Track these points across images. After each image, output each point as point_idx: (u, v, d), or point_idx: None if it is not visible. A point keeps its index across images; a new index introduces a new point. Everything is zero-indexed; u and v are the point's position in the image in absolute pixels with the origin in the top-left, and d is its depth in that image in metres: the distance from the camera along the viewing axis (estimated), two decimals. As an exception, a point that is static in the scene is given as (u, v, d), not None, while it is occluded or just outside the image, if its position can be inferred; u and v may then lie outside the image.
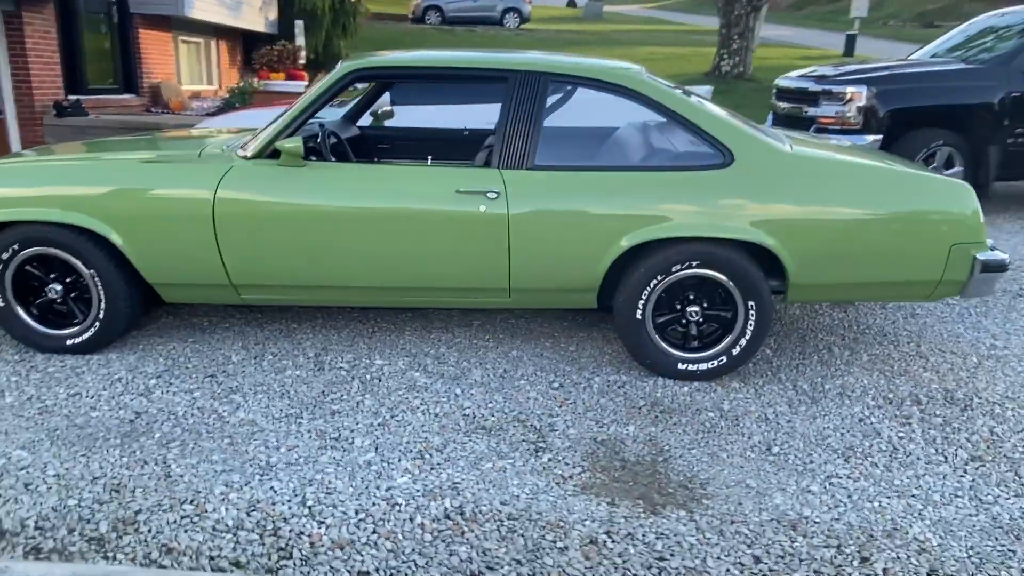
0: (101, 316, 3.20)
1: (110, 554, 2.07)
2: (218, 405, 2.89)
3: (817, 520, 2.32)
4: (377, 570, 2.04)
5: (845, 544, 2.21)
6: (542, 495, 2.40)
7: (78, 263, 3.12)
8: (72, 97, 8.35)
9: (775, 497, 2.44)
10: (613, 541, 2.18)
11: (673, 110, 2.99)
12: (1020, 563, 2.16)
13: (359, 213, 3.00)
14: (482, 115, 5.60)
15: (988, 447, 2.78)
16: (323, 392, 3.01)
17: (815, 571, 2.10)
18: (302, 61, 8.26)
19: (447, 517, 2.26)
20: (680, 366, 3.14)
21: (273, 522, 2.21)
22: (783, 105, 6.89)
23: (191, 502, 2.29)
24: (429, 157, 3.63)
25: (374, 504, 2.31)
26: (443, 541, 2.16)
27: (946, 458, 2.70)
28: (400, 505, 2.31)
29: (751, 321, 3.06)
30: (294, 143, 2.95)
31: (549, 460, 2.61)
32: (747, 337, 3.09)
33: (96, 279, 3.14)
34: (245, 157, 3.10)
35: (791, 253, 2.97)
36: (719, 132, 2.98)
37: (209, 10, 10.74)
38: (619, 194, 2.96)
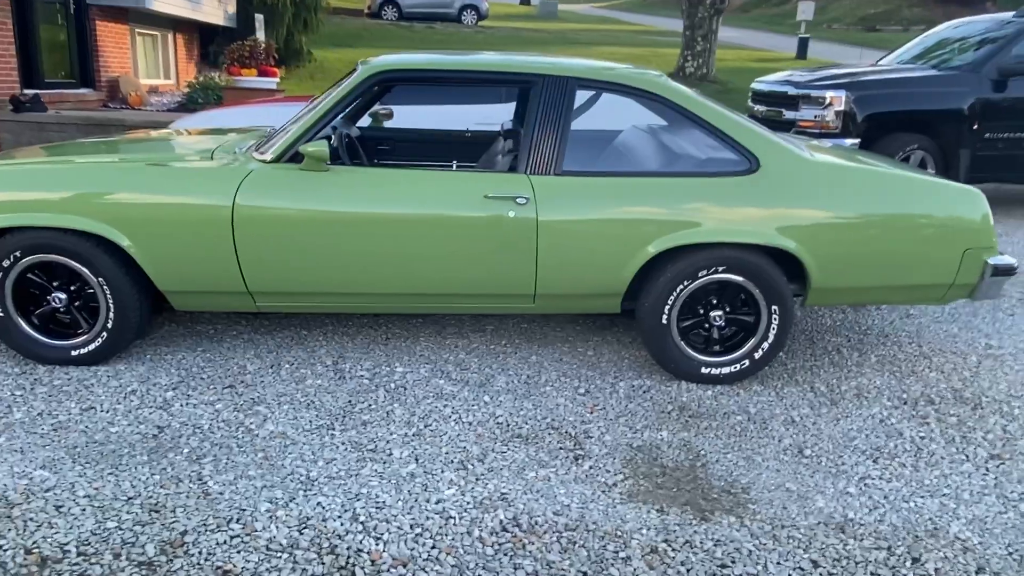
0: (109, 326, 3.06)
1: (162, 579, 1.99)
2: (244, 417, 2.80)
3: (862, 522, 2.37)
4: (445, 587, 2.01)
5: (894, 545, 2.26)
6: (592, 504, 2.39)
7: (85, 271, 2.98)
8: (29, 91, 7.99)
9: (816, 500, 2.49)
10: (673, 550, 2.19)
11: (700, 116, 3.01)
12: (1059, 559, 2.25)
13: (385, 218, 2.94)
14: (481, 116, 5.57)
15: (1004, 445, 2.88)
16: (349, 402, 2.95)
17: (872, 573, 2.14)
18: (275, 57, 8.06)
19: (504, 529, 2.24)
20: (703, 370, 3.17)
21: (328, 539, 2.15)
22: (760, 108, 7.02)
23: (237, 521, 2.22)
24: (454, 161, 3.54)
25: (428, 518, 2.27)
26: (505, 555, 2.13)
27: (967, 457, 2.79)
28: (454, 518, 2.28)
29: (774, 325, 3.11)
30: (318, 147, 2.87)
31: (591, 468, 2.60)
32: (769, 341, 3.14)
33: (105, 287, 3.00)
34: (264, 161, 3.00)
35: (814, 258, 3.03)
36: (745, 138, 3.01)
37: (169, 2, 10.41)
38: (647, 200, 2.97)
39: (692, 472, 2.62)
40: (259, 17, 11.79)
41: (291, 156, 3.00)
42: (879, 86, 6.18)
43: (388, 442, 2.68)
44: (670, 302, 3.07)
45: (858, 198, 3.02)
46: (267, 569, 2.03)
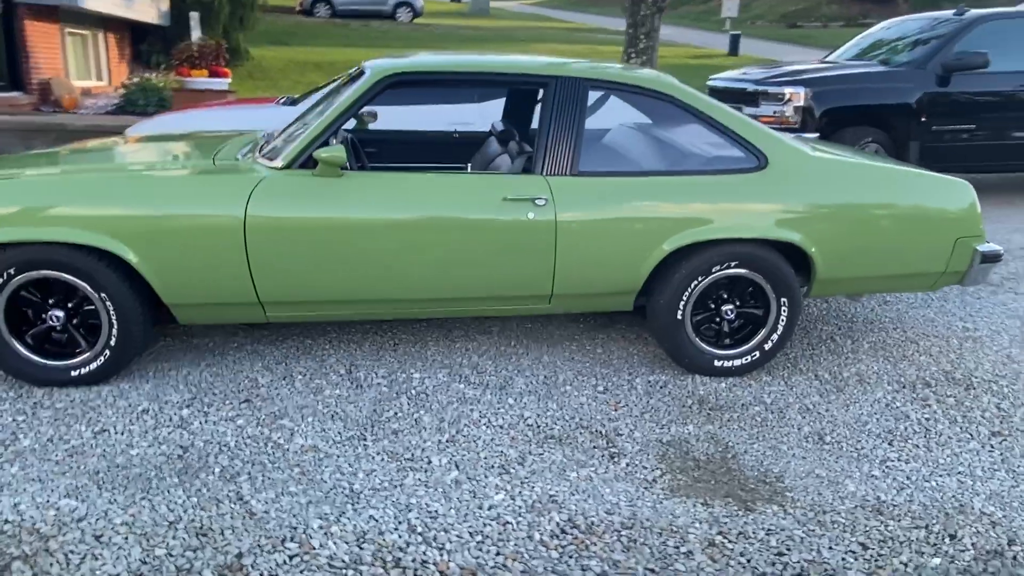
0: (112, 343, 2.92)
1: (227, 605, 1.92)
2: (269, 432, 2.72)
3: (894, 503, 2.48)
4: (519, 593, 2.00)
5: (930, 524, 2.37)
6: (639, 501, 2.42)
7: (86, 286, 2.84)
8: (-41, 96, 7.52)
9: (847, 484, 2.58)
10: (730, 542, 2.24)
11: (710, 115, 3.08)
12: (1078, 527, 2.40)
13: (404, 224, 2.90)
14: (465, 116, 5.53)
15: (1001, 422, 3.05)
16: (374, 411, 2.89)
17: (917, 552, 2.24)
18: (226, 57, 7.79)
19: (563, 532, 2.24)
20: (716, 363, 3.24)
21: (391, 553, 2.12)
22: (718, 104, 7.19)
23: (292, 540, 2.15)
24: (458, 162, 3.50)
25: (485, 525, 2.26)
26: (571, 557, 2.14)
27: (971, 435, 2.94)
28: (511, 524, 2.27)
29: (783, 317, 3.21)
30: (335, 152, 2.80)
31: (628, 465, 2.63)
32: (778, 332, 3.23)
33: (107, 302, 2.86)
34: (275, 168, 2.91)
35: (819, 250, 3.13)
36: (753, 136, 3.09)
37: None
38: (662, 198, 3.02)
39: (724, 464, 2.68)
40: (194, 15, 11.39)
41: (303, 162, 2.92)
42: (835, 82, 6.42)
43: (424, 450, 2.65)
44: (685, 298, 3.13)
45: (860, 192, 3.14)
46: (336, 587, 1.99)
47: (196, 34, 11.10)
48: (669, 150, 3.17)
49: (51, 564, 2.02)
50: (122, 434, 2.67)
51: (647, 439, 2.80)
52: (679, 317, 3.16)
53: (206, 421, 2.77)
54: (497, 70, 3.06)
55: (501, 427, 2.82)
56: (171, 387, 3.01)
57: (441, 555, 2.12)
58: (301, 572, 2.03)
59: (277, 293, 2.95)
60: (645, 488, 2.50)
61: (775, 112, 6.44)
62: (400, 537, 2.18)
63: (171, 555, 2.07)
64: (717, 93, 7.29)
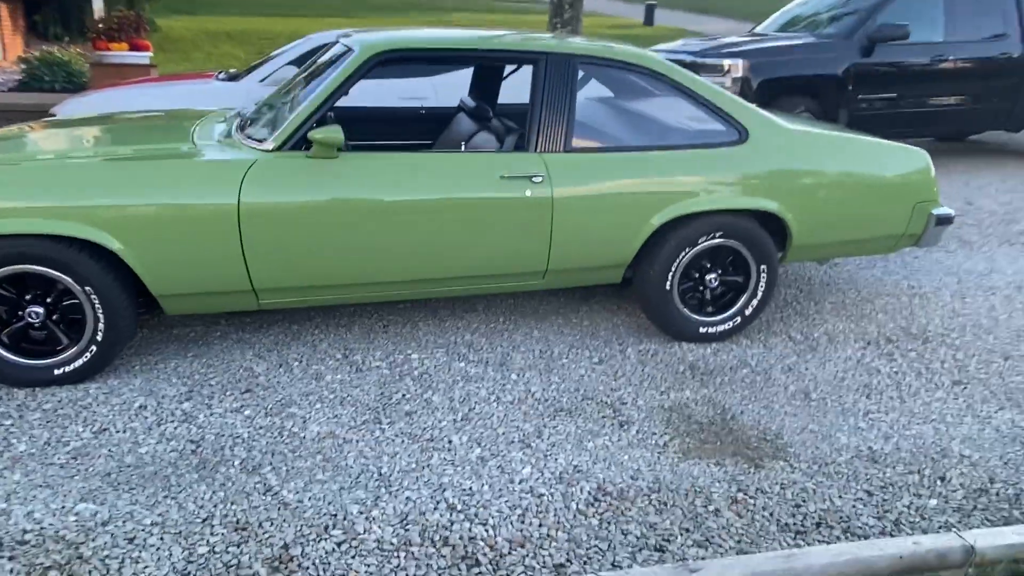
0: (99, 338, 2.79)
1: (285, 596, 1.91)
2: (281, 421, 2.67)
3: (885, 452, 2.68)
4: (569, 560, 2.07)
5: (921, 469, 2.58)
6: (658, 466, 2.53)
7: (68, 279, 2.69)
8: None
9: (839, 437, 2.77)
10: (750, 497, 2.38)
11: (695, 91, 3.17)
12: (1044, 463, 2.66)
13: (403, 205, 2.87)
14: (418, 91, 5.44)
15: (959, 372, 3.32)
16: (381, 394, 2.88)
17: (916, 495, 2.44)
18: (147, 29, 7.34)
19: (597, 500, 2.32)
20: (701, 329, 3.38)
21: (437, 532, 2.15)
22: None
23: (335, 527, 2.15)
24: (462, 144, 3.42)
25: (521, 498, 2.31)
26: (609, 523, 2.22)
27: (937, 385, 3.19)
28: (546, 495, 2.33)
29: (762, 283, 3.37)
30: (331, 133, 2.74)
31: (638, 432, 2.73)
32: (758, 297, 3.40)
33: (92, 296, 2.73)
34: (266, 150, 2.82)
35: (795, 218, 3.30)
36: (734, 111, 3.21)
37: (-5, -33, 9.20)
38: (652, 173, 3.10)
39: (726, 425, 2.82)
40: (96, -17, 10.68)
41: (295, 143, 2.84)
42: (771, 53, 6.66)
43: (441, 430, 2.67)
44: (673, 268, 3.24)
45: (832, 161, 3.31)
46: (392, 570, 2.00)
47: (98, 3, 10.42)
48: (656, 125, 3.25)
49: (89, 571, 1.95)
50: (124, 432, 2.57)
51: (650, 406, 2.91)
52: (668, 288, 3.27)
53: (211, 414, 2.70)
54: (488, 47, 3.05)
55: (511, 403, 2.87)
56: (163, 380, 2.91)
57: (487, 530, 2.16)
58: (352, 558, 2.04)
59: (272, 280, 2.88)
60: (659, 453, 2.61)
61: (714, 83, 6.63)
62: (442, 516, 2.21)
63: (215, 552, 2.03)
64: (654, 64, 7.42)
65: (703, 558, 2.10)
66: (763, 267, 3.34)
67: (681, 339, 3.41)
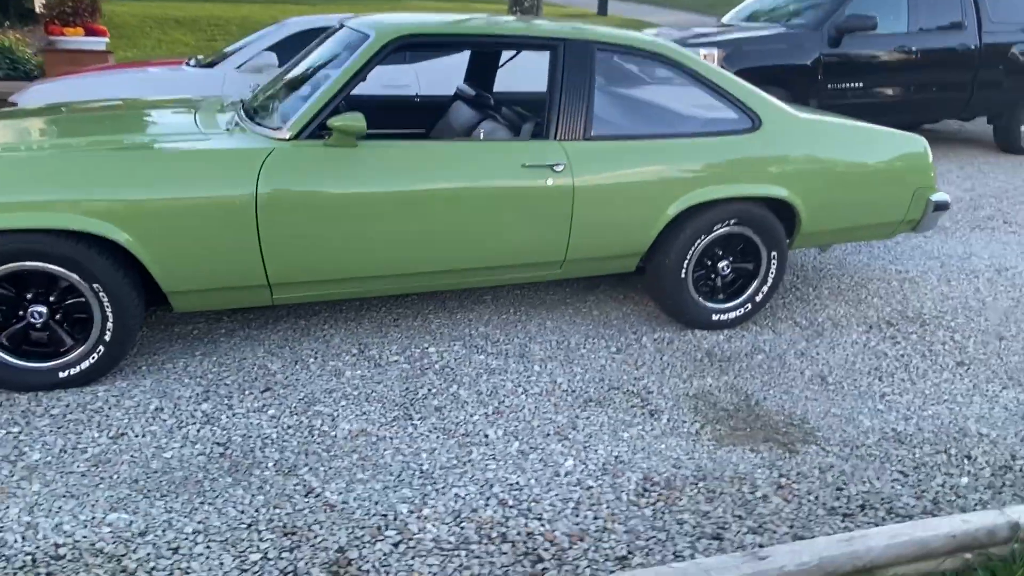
0: (107, 338, 2.64)
1: (350, 601, 1.84)
2: (308, 420, 2.58)
3: (909, 433, 2.73)
4: (631, 553, 2.05)
5: (947, 448, 2.64)
6: (696, 454, 2.53)
7: (75, 277, 2.54)
8: None
9: (863, 420, 2.82)
10: (794, 482, 2.40)
11: (709, 78, 3.17)
12: (1057, 439, 2.76)
13: (424, 195, 2.80)
14: (398, 78, 5.32)
15: (960, 352, 3.41)
16: (406, 389, 2.81)
17: (948, 474, 2.50)
18: (100, 12, 6.98)
19: (646, 490, 2.31)
20: (714, 317, 3.40)
21: (493, 529, 2.10)
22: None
23: (388, 528, 2.08)
24: (481, 131, 3.35)
25: (571, 491, 2.28)
26: (663, 513, 2.21)
27: (942, 367, 3.28)
28: (594, 488, 2.31)
29: (772, 269, 3.40)
30: (353, 120, 2.64)
31: (669, 421, 2.73)
32: (768, 284, 3.43)
33: (101, 294, 2.58)
34: (282, 139, 2.71)
35: (805, 205, 3.34)
36: (747, 98, 3.22)
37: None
38: (670, 161, 3.09)
39: (752, 411, 2.84)
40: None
41: (312, 132, 2.73)
42: (745, 44, 6.74)
43: (474, 424, 2.62)
44: (688, 256, 3.24)
45: (840, 149, 3.36)
46: (456, 569, 1.95)
47: (39, -14, 9.91)
48: (672, 113, 3.24)
49: (138, 584, 1.84)
50: (144, 436, 2.44)
51: (676, 394, 2.91)
52: (683, 276, 3.27)
53: (233, 414, 2.58)
54: (504, 32, 2.99)
55: (539, 394, 2.83)
56: (175, 381, 2.78)
57: (543, 525, 2.13)
58: (412, 559, 1.98)
59: (288, 274, 2.78)
60: (693, 441, 2.61)
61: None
62: (495, 512, 2.17)
63: (268, 559, 1.95)
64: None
65: (760, 545, 2.11)
66: (774, 254, 3.38)
67: (694, 326, 3.42)
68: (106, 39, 6.96)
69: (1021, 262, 4.56)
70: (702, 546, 2.09)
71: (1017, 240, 5.00)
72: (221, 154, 2.63)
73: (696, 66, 3.17)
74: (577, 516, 2.17)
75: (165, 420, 2.53)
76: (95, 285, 2.56)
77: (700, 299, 3.36)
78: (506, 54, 4.25)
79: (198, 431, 2.48)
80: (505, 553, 2.01)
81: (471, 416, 2.66)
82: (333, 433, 2.51)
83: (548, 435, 2.57)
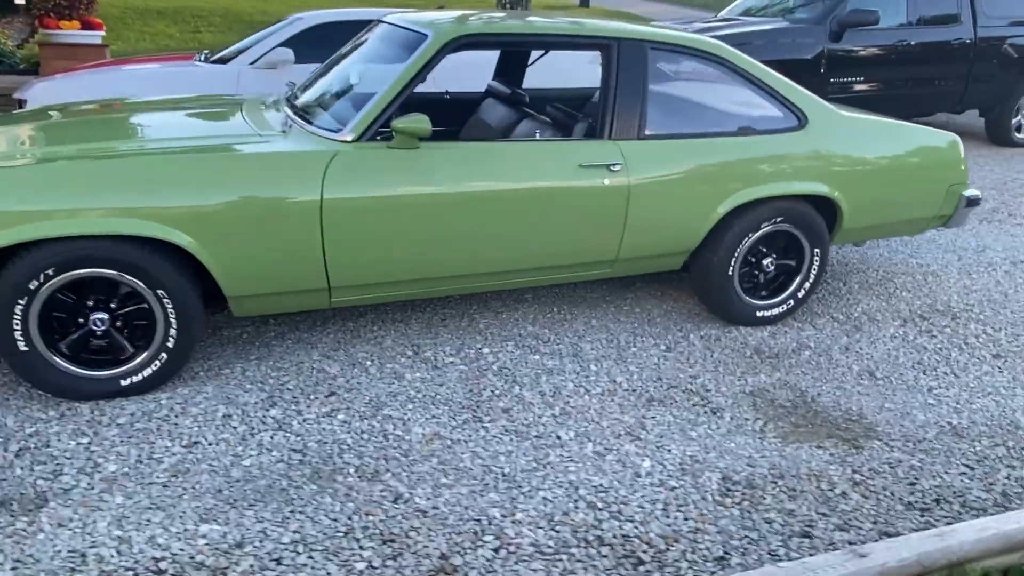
0: (170, 344, 2.60)
1: (462, 609, 1.84)
2: (379, 424, 2.56)
3: (964, 426, 2.80)
4: (727, 553, 2.07)
5: (1005, 441, 2.71)
6: (766, 452, 2.56)
7: (139, 283, 2.49)
8: None
9: (917, 415, 2.87)
10: (868, 478, 2.44)
11: (758, 77, 3.19)
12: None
13: (485, 195, 2.79)
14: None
15: (995, 345, 3.49)
16: (469, 391, 2.81)
17: (1010, 467, 2.56)
18: (97, 5, 6.80)
19: (729, 490, 2.33)
20: (758, 313, 3.43)
21: (590, 532, 2.11)
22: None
23: (485, 533, 2.08)
24: (537, 132, 3.34)
25: (656, 492, 2.30)
26: (750, 512, 2.24)
27: (980, 360, 3.35)
28: (677, 488, 2.33)
29: (815, 266, 3.45)
30: (418, 122, 2.62)
31: (732, 419, 2.76)
32: (810, 281, 3.47)
33: (165, 300, 2.53)
34: (345, 141, 2.68)
35: (847, 202, 3.38)
36: (794, 97, 3.25)
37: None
38: (720, 159, 3.11)
39: (809, 408, 2.88)
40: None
41: (373, 133, 2.70)
42: (750, 37, 6.79)
43: (544, 426, 2.62)
44: (736, 254, 3.27)
45: (881, 147, 3.41)
46: (561, 573, 1.95)
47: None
48: (721, 111, 3.25)
49: (249, 597, 1.82)
50: (217, 444, 2.41)
51: (733, 392, 2.94)
52: (730, 273, 3.30)
53: (304, 420, 2.56)
54: (559, 32, 2.98)
55: (601, 395, 2.84)
56: (236, 387, 2.74)
57: (636, 527, 2.14)
58: (515, 564, 1.98)
59: (349, 277, 2.75)
60: (760, 438, 2.65)
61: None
62: (587, 515, 2.18)
63: (373, 567, 1.94)
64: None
65: (850, 542, 2.15)
66: (816, 250, 3.42)
67: (738, 323, 3.46)
68: (102, 32, 6.80)
69: (1036, 254, 4.68)
70: (794, 544, 2.12)
71: (1027, 232, 5.12)
72: (286, 157, 2.59)
73: (745, 64, 3.19)
74: (667, 517, 2.19)
75: (236, 427, 2.50)
76: (159, 291, 2.52)
77: (745, 296, 3.39)
78: (535, 52, 4.24)
79: (272, 438, 2.45)
80: (605, 556, 2.03)
81: (539, 418, 2.67)
82: (408, 437, 2.50)
83: (619, 436, 2.59)
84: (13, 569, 1.87)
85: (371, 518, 2.11)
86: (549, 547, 2.04)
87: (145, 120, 2.98)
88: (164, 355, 2.61)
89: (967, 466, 2.54)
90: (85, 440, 2.39)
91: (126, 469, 2.27)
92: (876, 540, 2.16)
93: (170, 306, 2.55)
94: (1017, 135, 8.11)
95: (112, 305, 2.54)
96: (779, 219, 3.28)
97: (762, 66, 3.25)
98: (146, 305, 2.55)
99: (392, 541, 2.03)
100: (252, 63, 5.13)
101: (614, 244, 3.07)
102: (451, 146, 2.79)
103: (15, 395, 2.61)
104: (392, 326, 3.29)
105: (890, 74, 7.23)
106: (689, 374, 3.04)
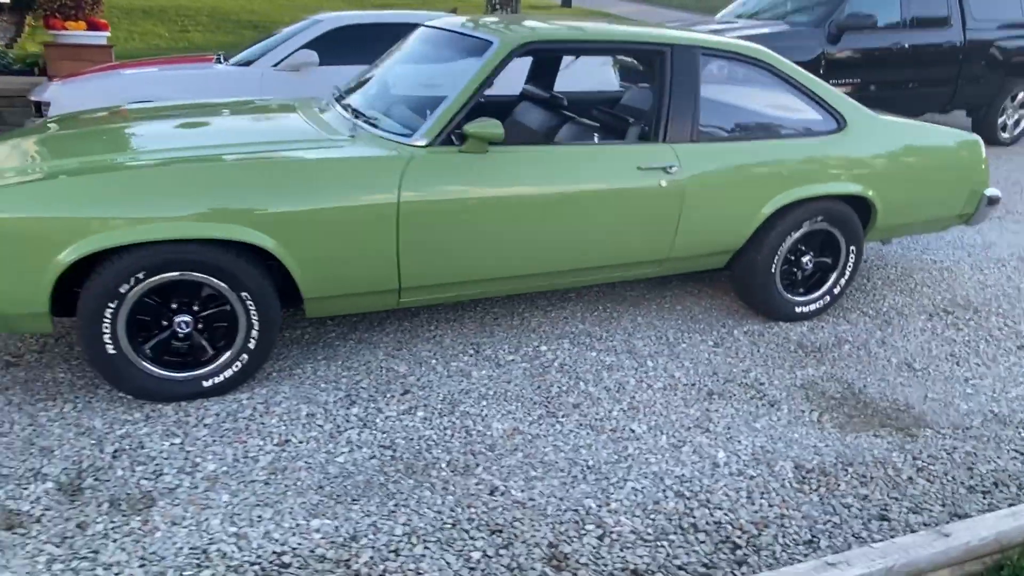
0: (251, 346, 2.65)
1: (580, 594, 1.93)
2: (459, 421, 2.64)
3: (1005, 414, 2.95)
4: (815, 536, 2.19)
5: (1046, 427, 2.87)
6: (829, 441, 2.69)
7: (224, 286, 2.54)
8: None
9: (959, 404, 3.02)
10: (929, 464, 2.57)
11: (800, 82, 3.32)
12: None
13: (552, 198, 2.88)
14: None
15: (1017, 337, 3.67)
16: (537, 387, 2.89)
17: (1056, 451, 2.72)
18: (102, 6, 6.73)
19: (804, 478, 2.45)
20: (796, 309, 3.57)
21: (685, 519, 2.21)
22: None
23: (586, 523, 2.17)
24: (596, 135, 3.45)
25: (737, 480, 2.41)
26: (827, 498, 2.36)
27: (1007, 351, 3.52)
28: (756, 477, 2.44)
29: (850, 263, 3.59)
30: (490, 128, 2.70)
31: (790, 411, 2.88)
32: (846, 277, 3.62)
33: (249, 302, 2.58)
34: (418, 145, 2.75)
35: (881, 201, 3.53)
36: (834, 101, 3.39)
37: None
38: (766, 161, 3.24)
39: (858, 399, 3.01)
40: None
41: (444, 138, 2.78)
42: (752, 40, 6.94)
43: (616, 420, 2.72)
44: (779, 253, 3.40)
45: (912, 148, 3.56)
46: (667, 557, 2.05)
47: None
48: (766, 115, 3.38)
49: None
50: (307, 443, 2.47)
51: (785, 385, 3.06)
52: (772, 271, 3.43)
53: (386, 417, 2.63)
54: (619, 38, 3.08)
55: (663, 389, 2.95)
56: (312, 386, 2.80)
57: (726, 514, 2.25)
58: (621, 551, 2.07)
59: (419, 277, 2.82)
60: (819, 429, 2.77)
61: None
62: (677, 504, 2.28)
63: (487, 556, 2.02)
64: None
65: (926, 524, 2.28)
66: (852, 248, 3.56)
67: (777, 319, 3.59)
68: (107, 33, 6.74)
69: (1042, 250, 4.89)
70: (875, 527, 2.24)
71: (1029, 229, 5.34)
72: (365, 161, 2.66)
73: (789, 69, 3.31)
74: (753, 504, 2.30)
75: (322, 425, 2.56)
76: (243, 293, 2.57)
77: (785, 293, 3.52)
78: (567, 57, 4.33)
79: (359, 435, 2.52)
80: (703, 542, 2.13)
81: (610, 412, 2.76)
82: (489, 433, 2.58)
83: (689, 428, 2.69)
84: (141, 566, 1.92)
85: (473, 510, 2.19)
86: (649, 534, 2.14)
87: (215, 124, 3.02)
88: (245, 356, 2.66)
89: (1017, 452, 2.69)
90: (177, 441, 2.43)
91: (225, 468, 2.32)
92: (948, 521, 2.29)
93: (253, 308, 2.60)
94: (1002, 134, 8.41)
95: (194, 308, 2.58)
96: (819, 218, 3.41)
97: (804, 71, 3.38)
98: (228, 307, 2.60)
99: (499, 531, 2.11)
100: (275, 65, 5.15)
101: (666, 244, 3.18)
102: (518, 150, 2.87)
103: (95, 398, 2.64)
104: (448, 325, 3.36)
105: (885, 75, 7.45)
106: (741, 368, 3.16)
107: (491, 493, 2.27)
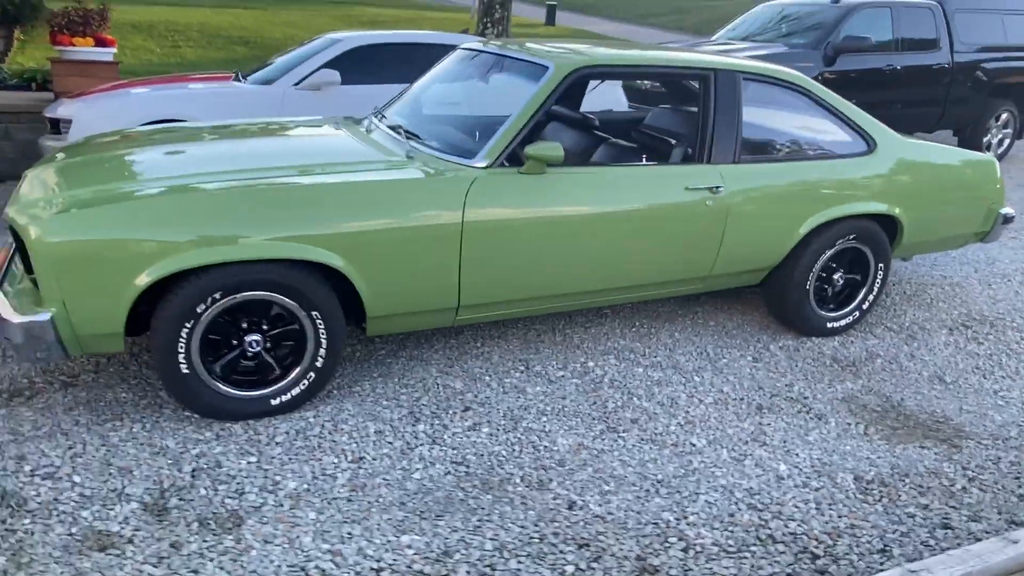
0: (319, 364, 2.68)
1: (675, 605, 1.98)
2: (524, 436, 2.69)
3: (1039, 425, 3.07)
4: (887, 546, 2.27)
5: (1079, 437, 2.99)
6: (880, 453, 2.78)
7: (294, 304, 2.57)
8: None
9: (993, 415, 3.14)
10: (978, 475, 2.68)
11: (834, 105, 3.45)
12: None
13: (606, 218, 2.95)
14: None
15: (1036, 351, 3.82)
16: (593, 403, 2.95)
17: (1093, 460, 2.83)
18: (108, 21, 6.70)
19: (866, 490, 2.53)
20: (828, 324, 3.68)
21: (759, 531, 2.28)
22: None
23: (668, 536, 2.23)
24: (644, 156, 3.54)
25: (804, 492, 2.48)
26: (892, 509, 2.44)
27: (1028, 364, 3.66)
28: (820, 489, 2.52)
29: (879, 280, 3.71)
30: (550, 150, 2.77)
31: (836, 424, 2.97)
32: (874, 293, 3.74)
33: (318, 321, 2.62)
34: (479, 167, 2.81)
35: (907, 219, 3.66)
36: (865, 123, 3.52)
37: None
38: (804, 181, 3.35)
39: (899, 411, 3.12)
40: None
41: (504, 160, 2.84)
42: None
43: (676, 435, 2.78)
44: (813, 270, 3.51)
45: (936, 169, 3.70)
46: (752, 568, 2.12)
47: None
48: (802, 137, 3.49)
49: (481, 601, 1.93)
50: (381, 460, 2.50)
51: (828, 399, 3.16)
52: (807, 287, 3.53)
53: (453, 434, 2.66)
54: (666, 63, 3.17)
55: (714, 404, 3.02)
56: (375, 403, 2.83)
57: (799, 525, 2.32)
58: (707, 562, 2.13)
59: (478, 296, 2.88)
60: (868, 441, 2.86)
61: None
62: (751, 516, 2.35)
63: (580, 569, 2.06)
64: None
65: (987, 532, 2.37)
66: (880, 264, 3.68)
67: (809, 334, 3.69)
68: (114, 49, 6.70)
69: (1044, 266, 5.08)
70: (940, 536, 2.33)
71: (1023, 245, 5.54)
72: (431, 182, 2.71)
73: (823, 94, 3.44)
74: (823, 515, 2.38)
75: (392, 442, 2.59)
76: (313, 312, 2.60)
77: (818, 309, 3.63)
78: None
79: (429, 451, 2.55)
80: (783, 552, 2.20)
81: (668, 427, 2.83)
82: (555, 448, 2.63)
83: (747, 442, 2.77)
84: (243, 584, 1.94)
85: (556, 524, 2.24)
86: (731, 546, 2.21)
87: (271, 145, 3.05)
88: (312, 374, 2.68)
89: (1058, 461, 2.81)
90: (253, 459, 2.45)
91: (306, 485, 2.34)
92: (1007, 529, 2.39)
93: (322, 326, 2.63)
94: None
95: (264, 327, 2.61)
96: (852, 236, 3.53)
97: (836, 95, 3.51)
98: (296, 326, 2.62)
99: (587, 545, 2.16)
100: (295, 84, 5.18)
101: (709, 262, 3.27)
102: (574, 171, 2.94)
103: (163, 417, 2.64)
104: (494, 342, 3.41)
105: (877, 96, 7.67)
106: (784, 383, 3.25)
107: (570, 508, 2.32)
